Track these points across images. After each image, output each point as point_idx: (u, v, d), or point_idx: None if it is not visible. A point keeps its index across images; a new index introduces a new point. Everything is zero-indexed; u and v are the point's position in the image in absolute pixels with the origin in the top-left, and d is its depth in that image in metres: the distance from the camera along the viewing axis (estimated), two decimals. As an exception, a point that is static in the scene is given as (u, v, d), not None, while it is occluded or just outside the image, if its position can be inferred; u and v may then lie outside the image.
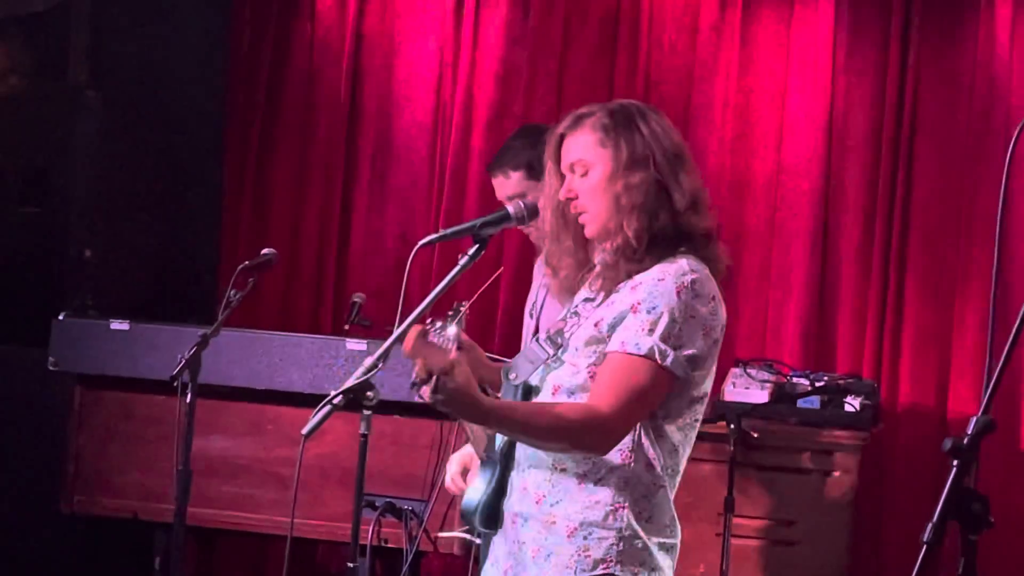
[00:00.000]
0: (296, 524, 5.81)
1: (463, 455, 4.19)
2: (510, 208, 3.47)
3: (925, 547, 2.12)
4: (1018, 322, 2.19)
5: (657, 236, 3.30)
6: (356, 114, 7.11)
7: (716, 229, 3.39)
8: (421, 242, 3.41)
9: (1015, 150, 2.30)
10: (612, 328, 3.27)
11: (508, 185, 4.67)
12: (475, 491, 3.45)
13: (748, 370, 6.10)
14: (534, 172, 4.55)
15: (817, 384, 6.03)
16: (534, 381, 3.40)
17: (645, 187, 3.30)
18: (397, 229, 7.04)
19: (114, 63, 6.78)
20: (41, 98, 6.62)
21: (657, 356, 3.21)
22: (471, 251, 3.40)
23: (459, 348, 3.28)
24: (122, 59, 6.82)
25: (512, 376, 3.41)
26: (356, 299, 6.02)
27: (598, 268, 3.40)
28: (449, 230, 3.46)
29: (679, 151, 3.39)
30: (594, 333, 3.30)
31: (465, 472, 4.14)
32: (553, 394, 3.33)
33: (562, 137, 3.44)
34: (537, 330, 4.55)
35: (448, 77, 6.99)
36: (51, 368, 6.05)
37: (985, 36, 6.36)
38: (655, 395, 3.26)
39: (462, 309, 3.33)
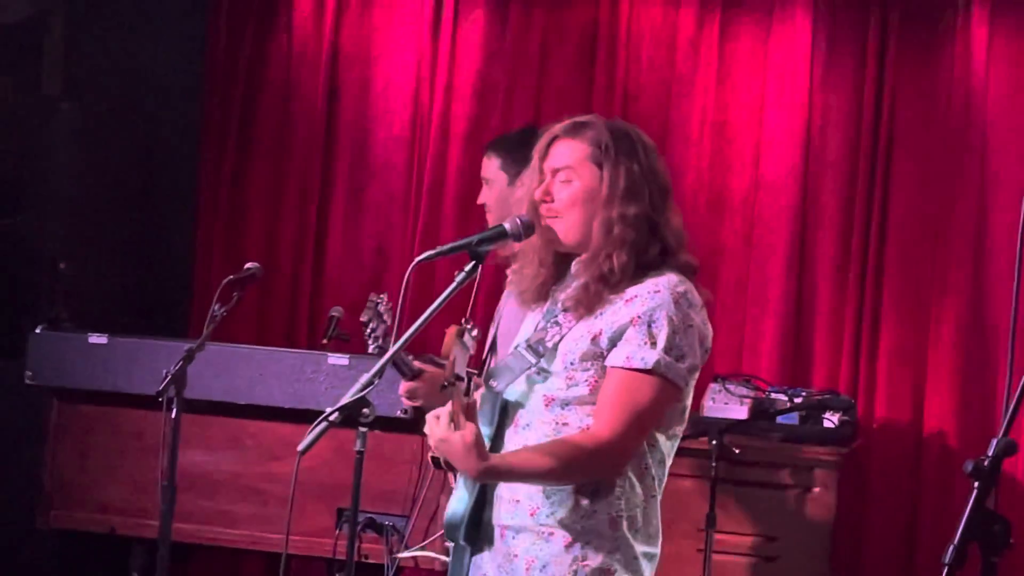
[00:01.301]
0: (274, 539, 5.80)
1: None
2: (507, 225, 3.47)
3: (947, 569, 2.13)
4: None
5: (643, 266, 3.33)
6: (333, 128, 7.09)
7: (698, 267, 3.44)
8: (418, 258, 3.42)
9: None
10: (612, 342, 3.28)
11: (487, 166, 4.72)
12: (459, 502, 3.44)
13: (727, 385, 6.11)
14: (509, 167, 4.58)
15: (795, 400, 6.05)
16: (514, 395, 3.39)
17: (638, 221, 3.33)
18: (374, 243, 7.02)
19: (89, 74, 6.75)
20: (15, 109, 6.57)
21: (663, 369, 3.24)
22: (468, 267, 3.42)
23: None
24: (97, 70, 6.79)
25: (494, 383, 3.42)
26: (334, 313, 5.98)
27: (574, 285, 3.40)
28: (446, 246, 3.47)
29: (668, 186, 3.44)
30: (592, 348, 3.30)
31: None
32: (546, 406, 3.34)
33: (555, 138, 3.44)
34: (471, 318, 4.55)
35: (425, 91, 6.98)
36: (28, 382, 6.02)
37: (962, 53, 6.40)
38: (660, 409, 3.30)
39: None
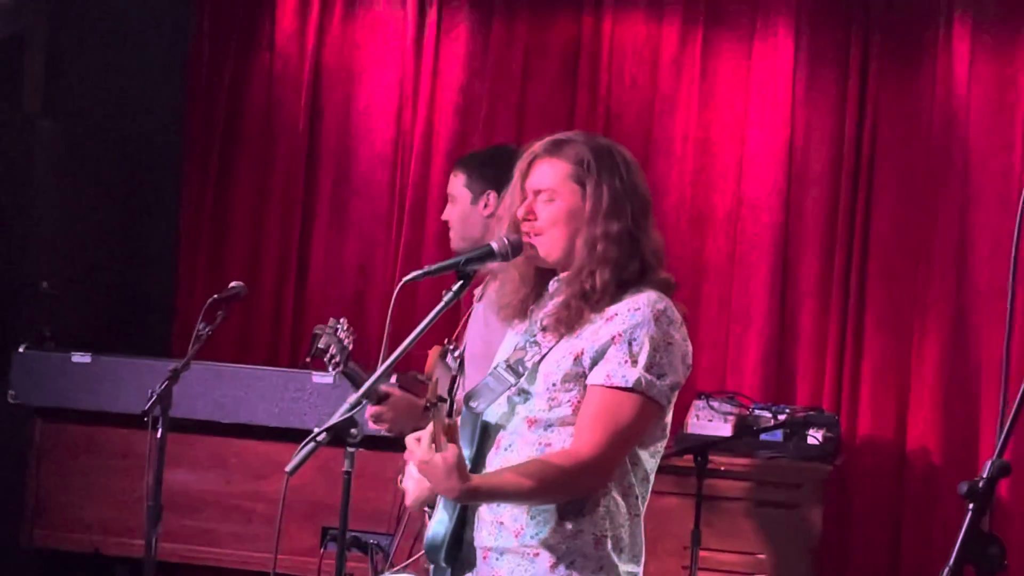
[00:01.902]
0: (259, 558, 5.79)
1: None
2: (494, 244, 3.46)
3: (942, 591, 2.12)
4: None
5: (623, 284, 3.33)
6: (315, 145, 7.09)
7: (675, 282, 3.42)
8: (406, 278, 3.37)
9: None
10: (594, 361, 3.28)
11: (453, 183, 4.72)
12: (439, 524, 3.42)
13: (711, 402, 6.12)
14: (474, 184, 4.58)
15: (779, 417, 6.06)
16: (495, 417, 3.37)
17: (621, 238, 3.33)
18: (356, 261, 7.03)
19: (70, 92, 6.75)
20: (-4, 127, 6.58)
21: (644, 387, 3.23)
22: (455, 287, 3.40)
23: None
24: (78, 88, 6.79)
25: (474, 403, 3.40)
26: (317, 331, 5.98)
27: (553, 303, 3.40)
28: (434, 266, 3.44)
29: (648, 203, 3.43)
30: (575, 368, 3.30)
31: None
32: (529, 427, 3.31)
33: (536, 157, 3.44)
34: (455, 339, 4.55)
35: (408, 109, 6.99)
36: (11, 401, 6.00)
37: (943, 72, 6.42)
38: (642, 427, 3.28)
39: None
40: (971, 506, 2.13)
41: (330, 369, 4.54)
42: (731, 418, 6.04)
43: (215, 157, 7.10)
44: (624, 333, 3.25)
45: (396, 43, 7.03)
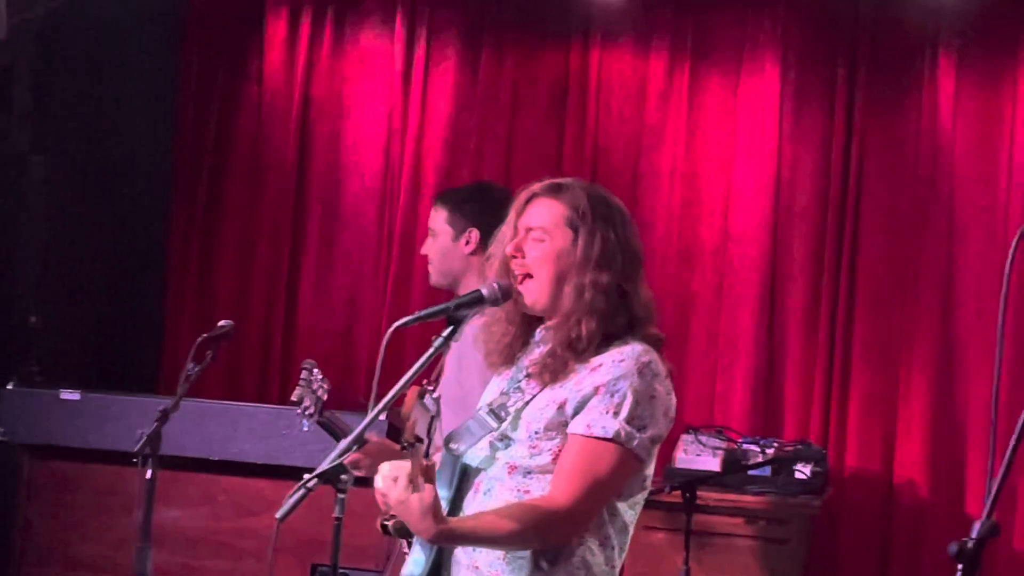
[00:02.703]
0: (248, 594, 5.79)
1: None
2: (484, 290, 3.47)
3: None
4: (1020, 426, 2.20)
5: (609, 335, 3.34)
6: (304, 179, 7.10)
7: (664, 339, 3.42)
8: (396, 324, 3.37)
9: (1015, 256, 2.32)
10: (576, 411, 3.28)
11: (434, 217, 4.72)
12: (414, 564, 3.41)
13: (699, 436, 6.13)
14: (456, 221, 4.60)
15: (767, 451, 6.07)
16: (476, 460, 3.37)
17: (609, 288, 3.34)
18: (345, 294, 7.03)
19: (58, 127, 6.74)
20: (-17, 163, 6.58)
21: (624, 439, 3.23)
22: (445, 333, 3.40)
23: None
24: (67, 123, 6.78)
25: (454, 446, 3.40)
26: (306, 366, 5.99)
27: (540, 350, 3.41)
28: (424, 312, 3.44)
29: (640, 255, 3.44)
30: (557, 417, 3.30)
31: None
32: (509, 473, 3.32)
33: (533, 196, 3.45)
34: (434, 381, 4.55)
35: (396, 142, 7.00)
36: (-1, 438, 6.01)
37: (929, 106, 6.45)
38: (620, 479, 3.28)
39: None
40: (959, 567, 2.14)
41: (304, 421, 4.54)
42: (719, 452, 6.06)
43: (203, 190, 7.11)
44: (607, 384, 3.26)
45: (384, 76, 7.04)
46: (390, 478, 3.16)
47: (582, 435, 3.25)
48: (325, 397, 4.55)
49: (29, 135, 6.69)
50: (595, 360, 3.30)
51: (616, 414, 3.24)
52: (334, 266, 7.04)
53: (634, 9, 6.76)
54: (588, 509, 3.25)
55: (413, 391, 3.21)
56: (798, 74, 6.62)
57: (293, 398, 4.38)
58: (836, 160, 6.54)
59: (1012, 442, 2.15)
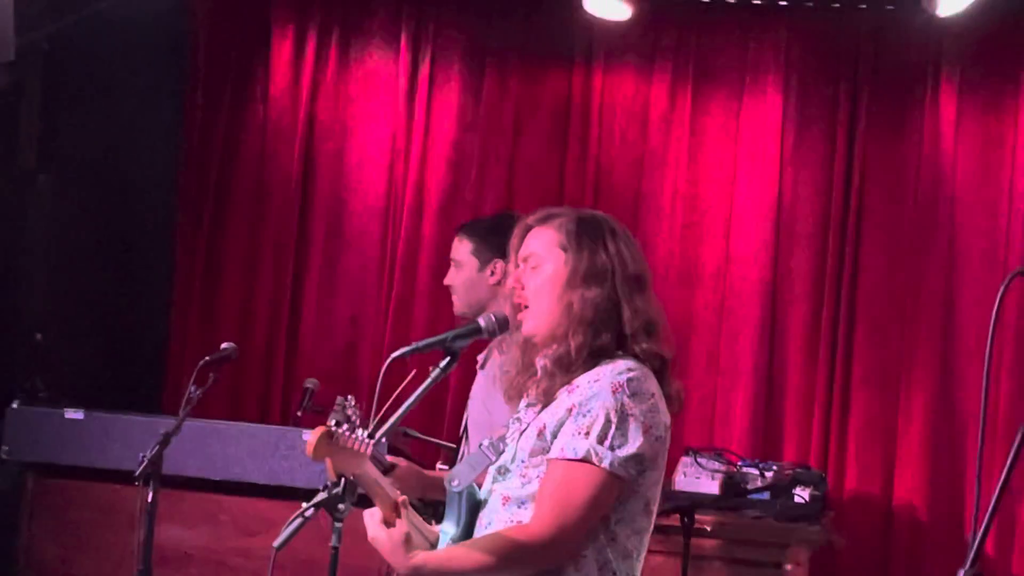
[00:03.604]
0: (248, 616, 5.82)
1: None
2: (481, 321, 3.49)
3: None
4: (1003, 477, 2.22)
5: (597, 352, 3.34)
6: (308, 198, 7.14)
7: (670, 358, 3.38)
8: (394, 355, 3.38)
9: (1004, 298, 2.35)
10: (554, 435, 3.29)
11: (458, 248, 4.74)
12: None
13: (699, 459, 6.14)
14: (482, 252, 4.62)
15: (766, 474, 6.07)
16: (484, 494, 3.38)
17: (598, 302, 3.34)
18: (348, 313, 7.07)
19: (65, 147, 6.76)
20: (-9, 181, 6.61)
21: (594, 459, 3.21)
22: (443, 364, 3.41)
23: (386, 472, 3.31)
24: (73, 143, 6.80)
25: (455, 483, 3.40)
26: (309, 385, 6.02)
27: (539, 374, 3.43)
28: (422, 343, 3.46)
29: (641, 274, 3.41)
30: (539, 443, 3.30)
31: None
32: (503, 505, 3.33)
33: (528, 229, 3.48)
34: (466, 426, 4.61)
35: (400, 162, 7.04)
36: (3, 456, 6.02)
37: (930, 130, 6.48)
38: (599, 498, 3.23)
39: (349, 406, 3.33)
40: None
41: None
42: (718, 475, 6.07)
43: (209, 209, 7.15)
44: (578, 405, 3.26)
45: (388, 97, 7.09)
46: (368, 514, 3.21)
47: (556, 458, 3.25)
48: (358, 422, 4.59)
49: (36, 154, 6.71)
50: (576, 381, 3.30)
51: (587, 434, 3.22)
52: (337, 285, 7.08)
53: (637, 33, 6.80)
54: (567, 531, 3.21)
55: (316, 433, 3.18)
56: (800, 98, 6.66)
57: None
58: (837, 184, 6.58)
59: (995, 494, 2.17)
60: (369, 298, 7.05)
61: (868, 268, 6.55)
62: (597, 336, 3.32)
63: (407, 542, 3.15)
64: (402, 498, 3.24)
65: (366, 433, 3.21)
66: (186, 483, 5.85)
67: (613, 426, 3.23)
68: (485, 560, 3.20)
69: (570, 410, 3.26)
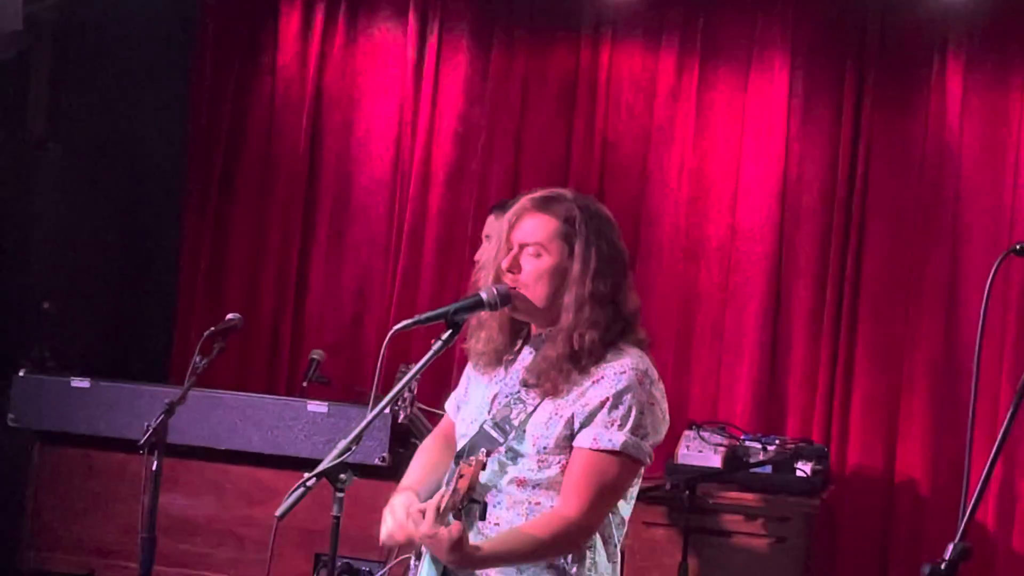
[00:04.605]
0: (252, 583, 5.86)
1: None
2: (483, 294, 3.51)
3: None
4: (994, 451, 2.25)
5: (607, 343, 3.41)
6: (315, 170, 7.16)
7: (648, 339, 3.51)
8: (396, 327, 3.41)
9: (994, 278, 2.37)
10: (583, 425, 3.36)
11: (492, 224, 4.78)
12: None
13: (701, 433, 6.16)
14: None
15: (768, 448, 6.10)
16: (485, 475, 3.41)
17: (606, 299, 3.41)
18: (354, 285, 7.09)
19: (74, 116, 6.80)
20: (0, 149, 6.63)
21: (631, 450, 3.33)
22: (444, 336, 3.44)
23: None
24: (82, 111, 6.83)
25: (463, 461, 3.45)
26: (315, 356, 6.05)
27: (536, 359, 3.46)
28: (424, 315, 3.49)
29: (627, 263, 3.52)
30: (565, 432, 3.37)
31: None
32: (518, 487, 3.39)
33: (525, 210, 3.50)
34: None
35: (407, 135, 7.05)
36: (10, 424, 6.07)
37: (936, 108, 6.47)
38: (625, 485, 3.41)
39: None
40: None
41: (400, 412, 4.62)
42: (721, 449, 6.09)
43: (216, 180, 7.17)
44: (612, 397, 3.35)
45: (396, 69, 7.09)
46: (418, 510, 3.24)
47: (589, 448, 3.34)
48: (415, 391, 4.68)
49: (45, 123, 6.74)
50: (596, 371, 3.37)
51: (622, 427, 3.33)
52: (343, 257, 7.10)
53: (644, 7, 6.80)
54: (599, 517, 3.38)
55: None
56: (806, 73, 6.65)
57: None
58: (843, 160, 6.57)
59: (986, 466, 2.19)
60: (375, 270, 7.07)
61: (873, 244, 6.55)
62: (608, 331, 3.41)
63: (464, 539, 3.20)
64: (459, 489, 3.28)
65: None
66: (191, 452, 5.90)
67: (644, 417, 3.36)
68: (534, 546, 3.32)
69: (603, 402, 3.35)
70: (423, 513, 3.23)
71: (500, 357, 3.55)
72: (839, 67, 6.61)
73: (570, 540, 3.35)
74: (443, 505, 3.20)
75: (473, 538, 3.31)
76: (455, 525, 3.18)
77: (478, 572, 3.41)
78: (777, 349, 6.62)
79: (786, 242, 6.64)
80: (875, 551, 6.39)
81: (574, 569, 3.37)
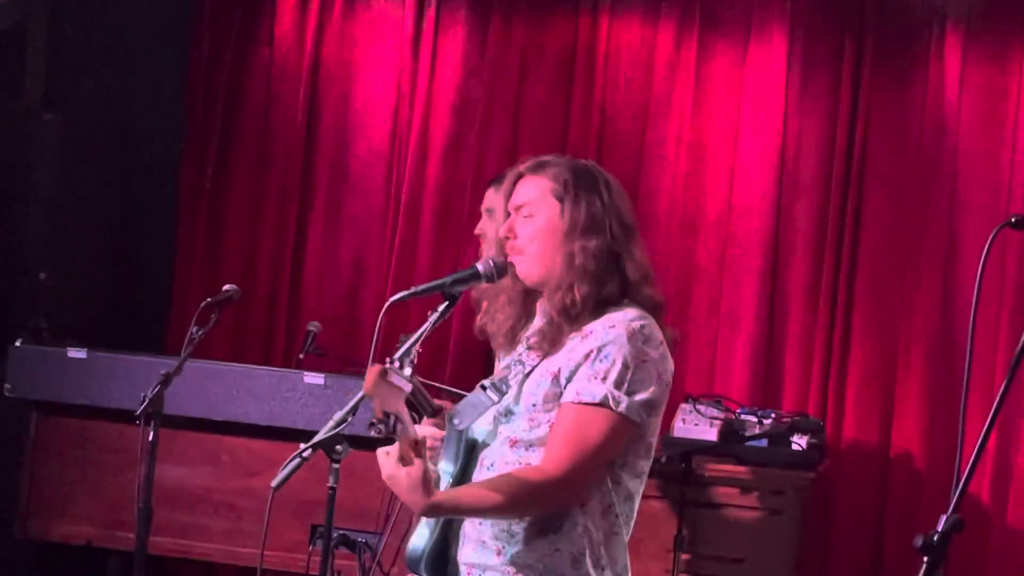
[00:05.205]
0: (248, 554, 5.88)
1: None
2: (479, 266, 3.52)
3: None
4: (989, 420, 2.26)
5: (603, 301, 3.39)
6: (312, 141, 7.14)
7: (664, 303, 3.46)
8: (392, 299, 3.42)
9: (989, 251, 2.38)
10: (568, 380, 3.34)
11: (492, 198, 4.76)
12: (419, 537, 3.48)
13: (698, 406, 6.17)
14: None
15: (765, 421, 6.11)
16: (481, 435, 3.44)
17: (600, 253, 3.39)
18: (351, 256, 7.08)
19: (71, 85, 6.79)
20: (-4, 118, 6.64)
21: (611, 403, 3.28)
22: (441, 308, 3.45)
23: (434, 414, 3.36)
24: (79, 81, 6.83)
25: (456, 421, 3.45)
26: (311, 328, 6.05)
27: (540, 320, 3.46)
28: (421, 287, 3.50)
29: (632, 223, 3.49)
30: (553, 388, 3.36)
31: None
32: (511, 447, 3.39)
33: (519, 176, 3.51)
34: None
35: (405, 106, 7.03)
36: (7, 394, 6.07)
37: (934, 81, 6.47)
38: (613, 442, 3.33)
39: (409, 345, 3.38)
40: (925, 560, 2.20)
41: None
42: (717, 422, 6.10)
43: (213, 151, 7.15)
44: (596, 350, 3.32)
45: (394, 41, 7.07)
46: (383, 452, 3.24)
47: (571, 402, 3.31)
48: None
49: (42, 93, 6.74)
50: (587, 327, 3.36)
51: (604, 379, 3.29)
52: (341, 228, 7.09)
53: (643, -21, 6.79)
54: (580, 474, 3.30)
55: (375, 369, 3.22)
56: (805, 46, 6.64)
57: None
58: (841, 133, 6.56)
59: (980, 438, 2.20)
60: (372, 242, 7.06)
61: (870, 218, 6.54)
62: (602, 286, 3.39)
63: (425, 480, 3.18)
64: (422, 436, 3.27)
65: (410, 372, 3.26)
66: (188, 423, 5.91)
67: (630, 372, 3.30)
68: (501, 499, 3.27)
69: (587, 355, 3.32)
70: (388, 454, 3.22)
71: (515, 334, 3.53)
72: (838, 41, 6.60)
73: (546, 495, 3.30)
74: (404, 447, 3.19)
75: None
76: (416, 465, 3.17)
77: (473, 533, 3.41)
78: (774, 323, 6.62)
79: (783, 216, 6.64)
80: (870, 524, 6.40)
81: (563, 533, 3.33)
